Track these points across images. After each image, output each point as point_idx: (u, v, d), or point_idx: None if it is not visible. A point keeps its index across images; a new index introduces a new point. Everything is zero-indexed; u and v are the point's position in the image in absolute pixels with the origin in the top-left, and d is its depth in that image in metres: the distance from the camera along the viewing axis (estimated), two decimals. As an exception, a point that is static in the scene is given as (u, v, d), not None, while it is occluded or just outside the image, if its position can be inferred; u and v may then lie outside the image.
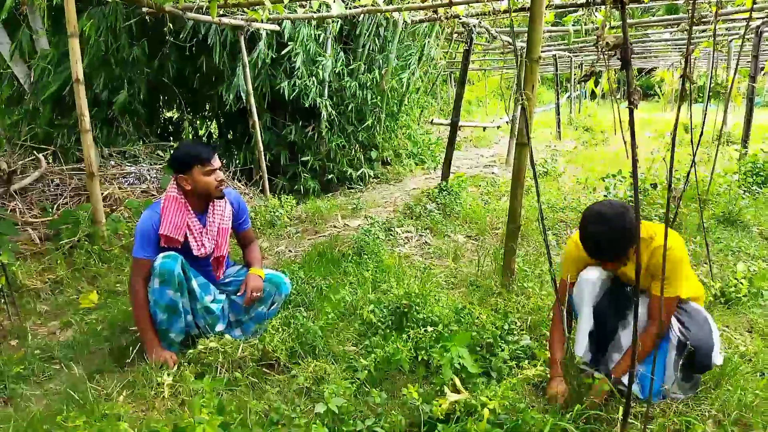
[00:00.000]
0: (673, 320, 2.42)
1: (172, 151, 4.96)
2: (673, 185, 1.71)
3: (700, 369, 2.39)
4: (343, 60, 7.26)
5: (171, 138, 7.79)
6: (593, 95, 24.40)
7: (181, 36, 6.04)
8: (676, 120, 1.83)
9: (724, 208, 5.16)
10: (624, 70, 1.64)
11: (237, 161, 7.29)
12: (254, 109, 6.38)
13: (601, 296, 2.48)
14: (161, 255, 2.74)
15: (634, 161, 1.53)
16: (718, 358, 2.39)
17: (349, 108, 7.56)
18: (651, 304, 2.37)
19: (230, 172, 6.84)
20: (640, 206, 2.31)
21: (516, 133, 9.29)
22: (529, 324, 3.08)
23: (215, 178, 2.86)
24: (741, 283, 3.49)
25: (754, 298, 3.44)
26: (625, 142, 1.67)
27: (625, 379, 2.30)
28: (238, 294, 3.01)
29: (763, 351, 2.83)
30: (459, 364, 2.40)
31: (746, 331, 3.13)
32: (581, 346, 2.51)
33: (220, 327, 2.95)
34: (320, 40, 6.90)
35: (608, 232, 2.21)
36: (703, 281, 3.64)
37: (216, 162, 2.88)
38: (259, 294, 2.97)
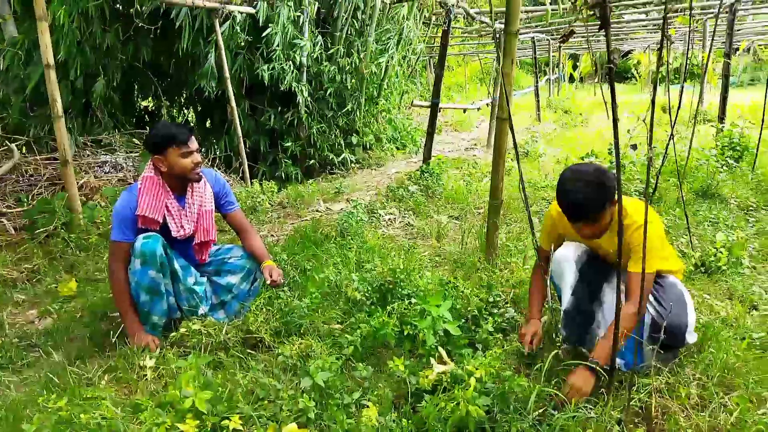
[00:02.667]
0: (650, 297, 2.41)
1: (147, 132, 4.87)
2: (653, 155, 1.71)
3: (674, 346, 2.40)
4: (321, 44, 7.19)
5: (147, 127, 7.65)
6: (571, 79, 24.55)
7: (152, 20, 5.91)
8: (655, 85, 1.83)
9: (702, 182, 5.23)
10: (602, 29, 1.63)
11: (216, 149, 7.19)
12: (232, 95, 6.29)
13: (577, 277, 2.46)
14: (142, 236, 2.69)
15: (615, 121, 1.52)
16: (692, 337, 2.37)
17: (329, 93, 7.49)
18: (628, 283, 2.30)
19: (209, 160, 6.75)
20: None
21: (495, 115, 9.33)
22: (513, 297, 3.09)
23: (192, 161, 2.80)
24: (720, 252, 3.53)
25: (734, 267, 3.49)
26: (607, 110, 1.66)
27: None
28: (267, 283, 2.95)
29: (743, 316, 2.87)
30: (443, 330, 2.40)
31: (726, 298, 3.17)
32: (563, 327, 2.51)
33: (203, 309, 2.90)
34: (299, 22, 6.81)
35: (585, 186, 2.19)
36: (684, 252, 3.68)
37: (193, 144, 2.81)
38: (282, 279, 2.97)
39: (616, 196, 2.23)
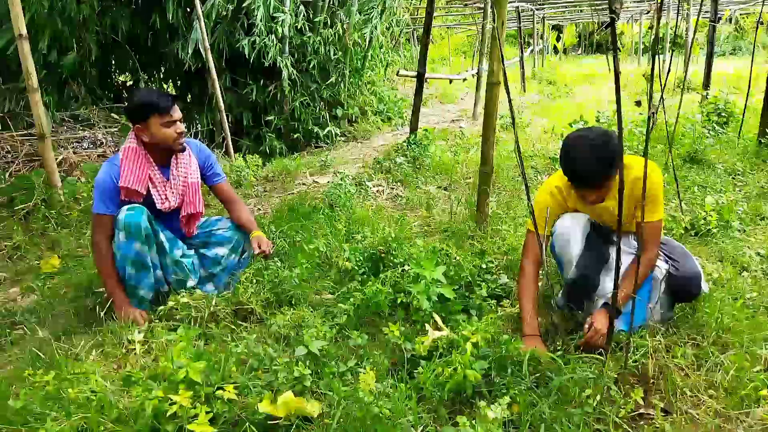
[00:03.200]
0: (658, 254, 2.41)
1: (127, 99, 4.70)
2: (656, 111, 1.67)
3: (688, 298, 2.41)
4: (303, 14, 7.02)
5: (126, 102, 7.46)
6: (555, 50, 24.45)
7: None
8: (656, 36, 1.78)
9: (689, 148, 5.22)
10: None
11: (198, 123, 7.04)
12: (213, 68, 6.13)
13: (583, 247, 2.40)
14: (125, 207, 2.60)
15: (617, 74, 1.47)
16: (705, 286, 2.42)
17: (312, 65, 7.35)
18: (639, 233, 2.28)
19: (192, 134, 6.61)
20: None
21: (481, 86, 9.23)
22: (505, 263, 3.07)
23: (175, 130, 2.69)
24: (710, 215, 3.53)
25: (723, 229, 3.50)
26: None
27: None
28: (255, 254, 2.86)
29: (735, 277, 2.88)
30: (437, 296, 2.37)
31: (717, 261, 3.18)
32: (563, 297, 2.49)
33: (191, 282, 2.84)
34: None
35: (593, 151, 2.13)
36: (673, 215, 3.68)
37: (176, 113, 2.70)
38: (271, 250, 2.89)
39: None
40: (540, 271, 2.50)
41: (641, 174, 2.07)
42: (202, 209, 2.92)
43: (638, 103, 5.04)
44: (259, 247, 2.84)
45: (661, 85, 3.61)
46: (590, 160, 2.14)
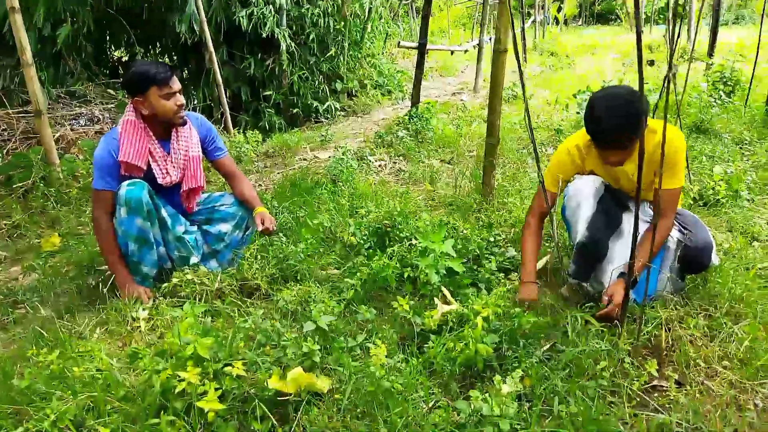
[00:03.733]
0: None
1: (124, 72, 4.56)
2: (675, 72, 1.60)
3: (699, 269, 2.37)
4: (300, -15, 6.87)
5: (122, 75, 7.35)
6: (555, 21, 24.07)
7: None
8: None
9: (695, 117, 5.14)
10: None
11: (195, 98, 6.93)
12: (210, 42, 6.00)
13: (595, 209, 2.34)
14: (126, 183, 2.54)
15: (639, 33, 1.40)
16: (716, 258, 2.37)
17: (311, 38, 7.21)
18: (656, 200, 2.25)
19: (189, 109, 6.50)
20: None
21: (482, 58, 9.09)
22: (512, 236, 3.03)
23: (175, 102, 2.62)
24: (719, 185, 3.48)
25: (732, 199, 3.45)
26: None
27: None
28: (258, 231, 2.77)
29: (745, 247, 2.84)
30: (445, 269, 2.32)
31: (727, 231, 3.14)
32: (572, 264, 2.44)
33: (194, 259, 2.79)
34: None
35: (621, 109, 2.06)
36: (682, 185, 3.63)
37: (175, 84, 2.62)
38: (274, 226, 2.79)
39: (646, 122, 2.14)
40: (550, 244, 2.47)
41: (668, 136, 2.01)
42: (203, 183, 2.86)
43: (651, 63, 4.92)
44: (263, 224, 2.78)
45: (670, 52, 3.53)
46: (616, 117, 2.06)
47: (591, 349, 1.97)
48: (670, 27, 1.49)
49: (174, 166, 2.73)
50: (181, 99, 2.65)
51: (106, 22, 6.52)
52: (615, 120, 2.06)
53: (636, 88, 1.78)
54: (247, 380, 1.82)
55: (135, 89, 2.57)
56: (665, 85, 1.61)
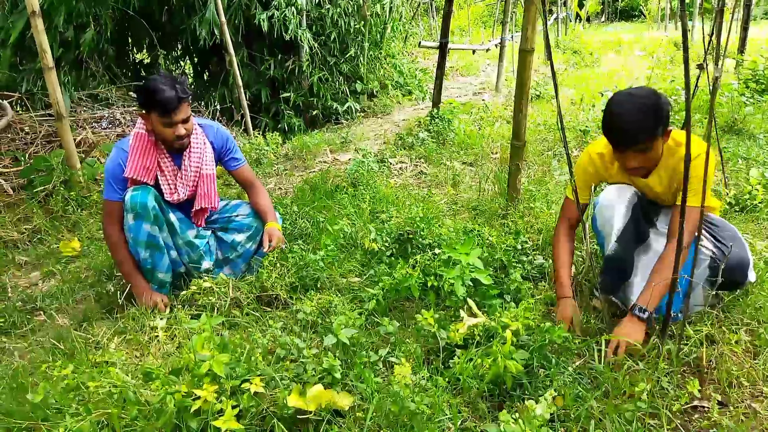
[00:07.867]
0: (706, 234, 2.24)
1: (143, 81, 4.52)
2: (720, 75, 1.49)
3: (732, 287, 2.23)
4: (321, -15, 6.81)
5: (144, 81, 7.36)
6: (578, 18, 23.73)
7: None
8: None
9: (727, 118, 4.96)
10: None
11: (215, 101, 6.92)
12: (230, 44, 5.97)
13: (627, 220, 2.23)
14: (131, 188, 2.50)
15: (684, 31, 1.30)
16: (752, 275, 2.23)
17: (331, 38, 7.14)
18: (675, 218, 2.10)
19: (209, 112, 6.49)
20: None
21: (504, 57, 8.95)
22: (540, 243, 2.92)
23: (174, 132, 2.50)
24: (756, 189, 3.33)
25: (771, 205, 3.30)
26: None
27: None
28: (264, 250, 2.71)
29: (787, 256, 2.69)
30: (470, 280, 2.23)
31: (766, 237, 2.99)
32: (601, 276, 2.33)
33: (207, 264, 2.74)
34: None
35: (639, 107, 1.96)
36: (716, 190, 3.48)
37: (179, 114, 2.48)
38: (284, 245, 2.73)
39: (668, 125, 2.03)
40: (580, 252, 2.36)
41: (693, 154, 1.91)
42: (217, 204, 2.79)
43: (700, 67, 4.75)
44: (270, 242, 2.70)
45: (704, 50, 3.38)
46: (634, 115, 1.96)
47: (627, 367, 1.86)
48: (716, 24, 1.38)
49: (183, 184, 2.66)
50: (181, 130, 2.52)
51: (127, 26, 6.53)
52: (632, 117, 1.97)
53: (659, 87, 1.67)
54: (266, 398, 1.75)
55: (141, 104, 2.51)
56: (697, 85, 1.50)
